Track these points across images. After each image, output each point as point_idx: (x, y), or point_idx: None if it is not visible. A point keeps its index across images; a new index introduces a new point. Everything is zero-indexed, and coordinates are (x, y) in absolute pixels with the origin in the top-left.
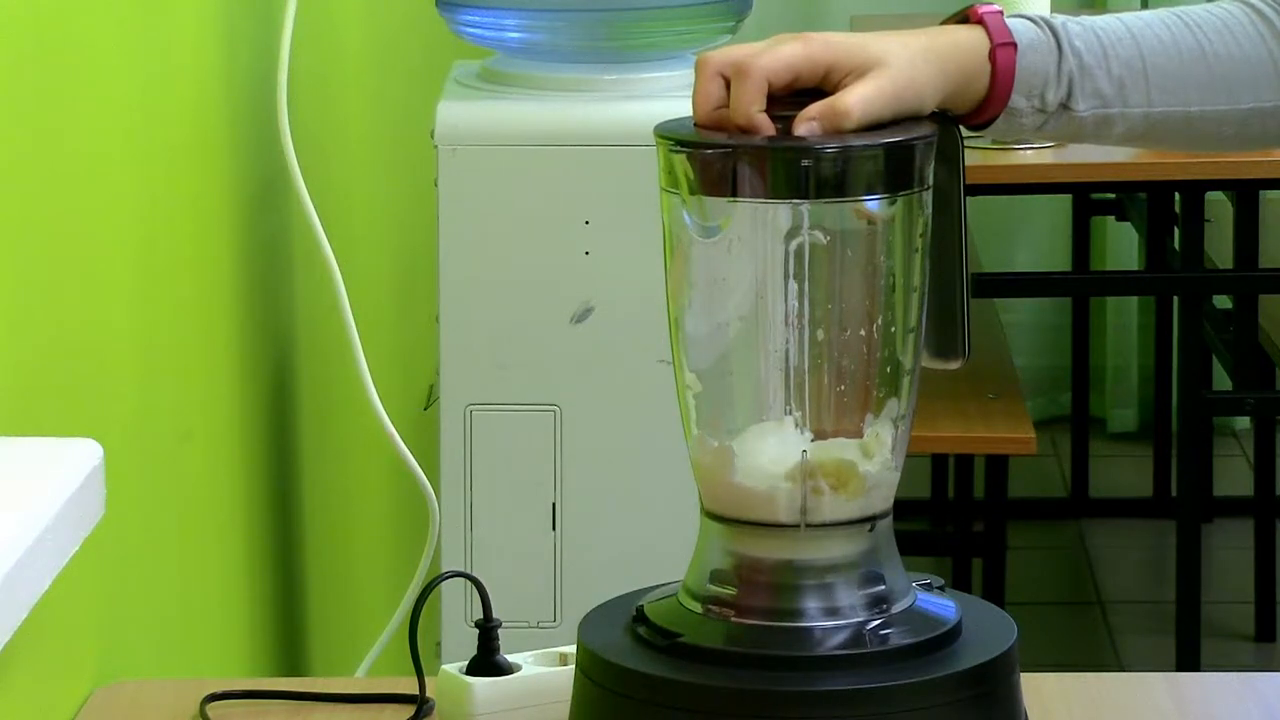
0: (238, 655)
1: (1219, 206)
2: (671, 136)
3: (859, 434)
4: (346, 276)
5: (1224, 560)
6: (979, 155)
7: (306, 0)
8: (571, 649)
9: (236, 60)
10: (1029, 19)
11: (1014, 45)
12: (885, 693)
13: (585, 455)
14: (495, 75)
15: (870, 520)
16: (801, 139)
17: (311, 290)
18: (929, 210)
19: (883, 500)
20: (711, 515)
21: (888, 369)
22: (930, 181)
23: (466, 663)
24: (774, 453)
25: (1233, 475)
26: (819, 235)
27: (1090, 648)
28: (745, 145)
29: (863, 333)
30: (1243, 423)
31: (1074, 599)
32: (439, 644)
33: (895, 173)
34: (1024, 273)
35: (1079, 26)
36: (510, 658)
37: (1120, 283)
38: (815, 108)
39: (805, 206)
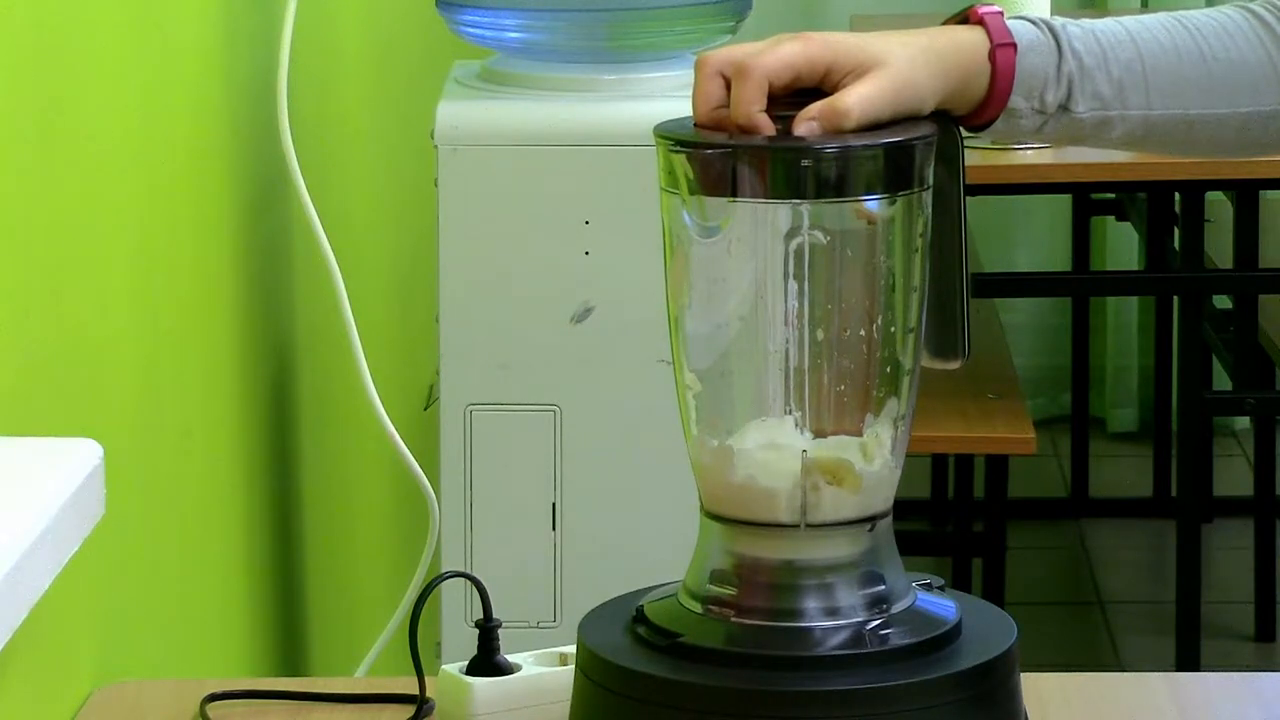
0: (238, 655)
1: (1219, 206)
2: (671, 136)
3: (859, 434)
4: (346, 276)
5: (1224, 560)
6: (979, 155)
7: (306, 0)
8: (571, 649)
9: (236, 60)
10: (1029, 20)
11: (1014, 46)
12: (885, 693)
13: (585, 455)
14: (495, 75)
15: (870, 520)
16: (801, 139)
17: (311, 290)
18: (929, 210)
19: (883, 500)
20: (711, 515)
21: (888, 369)
22: (930, 181)
23: (466, 663)
24: (774, 453)
25: (1233, 475)
26: (819, 235)
27: (1090, 648)
28: (745, 145)
29: (863, 333)
30: (1243, 423)
31: (1074, 599)
32: (439, 644)
33: (895, 173)
34: (1024, 273)
35: (1079, 29)
36: (510, 658)
37: (1120, 283)
38: (815, 108)
39: (805, 206)
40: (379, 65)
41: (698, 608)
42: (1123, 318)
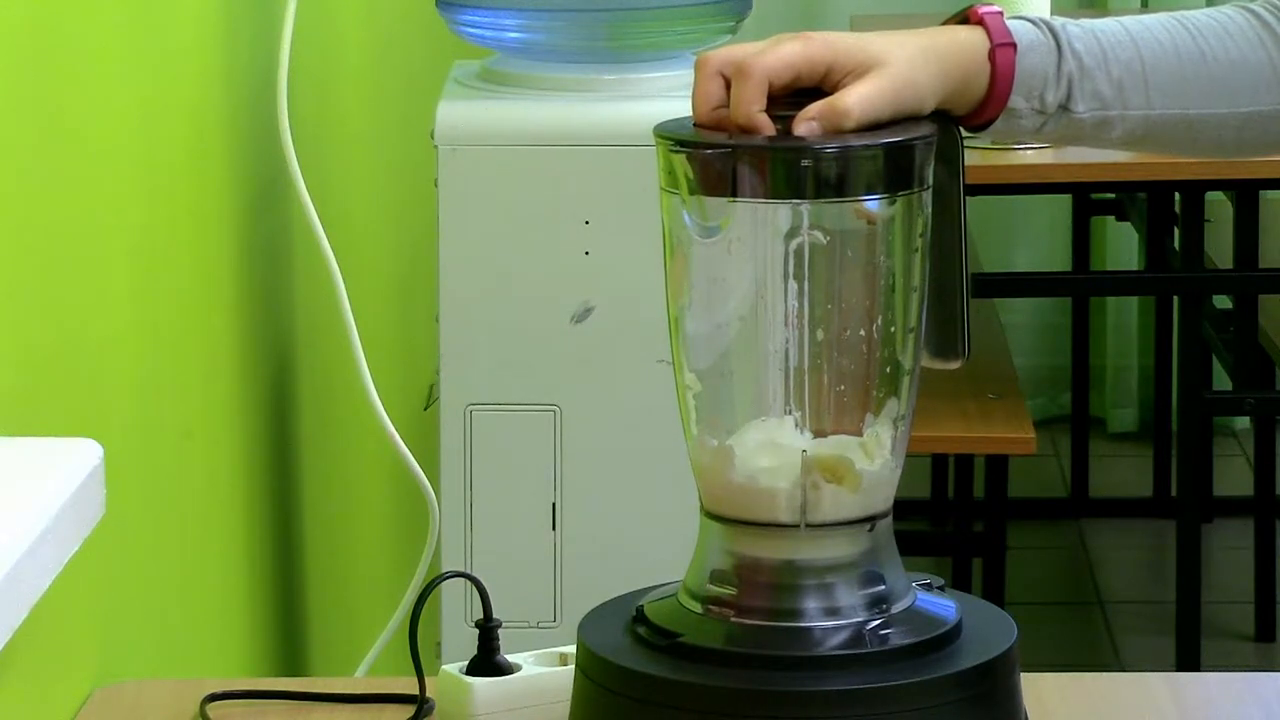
0: (238, 655)
1: (1219, 206)
2: (671, 136)
3: (859, 434)
4: (346, 276)
5: (1224, 560)
6: (979, 155)
7: (306, 0)
8: (571, 649)
9: (236, 60)
10: (1029, 20)
11: (1014, 46)
12: (885, 693)
13: (585, 455)
14: (495, 75)
15: (870, 520)
16: (801, 139)
17: (311, 290)
18: (929, 210)
19: (883, 500)
20: (711, 515)
21: (888, 369)
22: (930, 181)
23: (466, 663)
24: (774, 453)
25: (1233, 475)
26: (819, 235)
27: (1090, 648)
28: (745, 145)
29: (863, 333)
30: (1243, 423)
31: (1074, 599)
32: (439, 644)
33: (895, 173)
34: (1024, 273)
35: (1079, 29)
36: (510, 658)
37: (1120, 283)
38: (815, 107)
39: (805, 206)
40: (379, 65)
41: (698, 608)
42: (1123, 318)
